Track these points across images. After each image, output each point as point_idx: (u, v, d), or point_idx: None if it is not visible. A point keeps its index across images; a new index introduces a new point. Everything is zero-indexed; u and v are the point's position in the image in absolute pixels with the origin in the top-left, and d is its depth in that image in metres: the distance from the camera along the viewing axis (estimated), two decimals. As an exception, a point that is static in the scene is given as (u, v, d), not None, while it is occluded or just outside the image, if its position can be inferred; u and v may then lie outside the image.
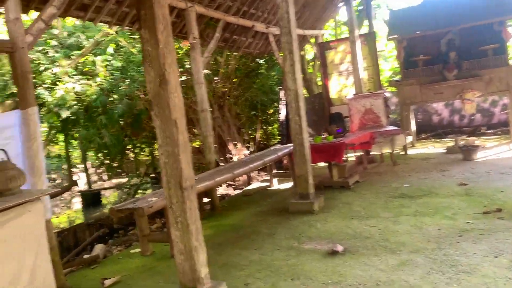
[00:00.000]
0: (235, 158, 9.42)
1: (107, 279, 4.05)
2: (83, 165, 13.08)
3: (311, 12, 10.40)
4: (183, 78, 8.99)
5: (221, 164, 7.61)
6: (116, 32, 8.25)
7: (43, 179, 3.96)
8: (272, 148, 8.39)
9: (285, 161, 8.42)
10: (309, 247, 4.25)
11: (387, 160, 8.19)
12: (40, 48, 7.58)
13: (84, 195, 12.50)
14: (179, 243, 3.14)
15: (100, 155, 10.99)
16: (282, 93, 10.91)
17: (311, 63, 13.67)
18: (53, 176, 13.99)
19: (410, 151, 9.00)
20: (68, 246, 6.62)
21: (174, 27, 6.98)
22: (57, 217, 12.00)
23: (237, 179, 8.16)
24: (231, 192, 8.28)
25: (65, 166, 12.44)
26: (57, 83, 7.29)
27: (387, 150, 8.10)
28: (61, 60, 7.41)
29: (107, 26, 6.56)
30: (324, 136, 6.92)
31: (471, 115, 10.73)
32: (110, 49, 8.36)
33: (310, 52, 13.68)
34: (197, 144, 9.93)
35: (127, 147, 10.90)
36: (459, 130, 10.78)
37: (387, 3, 15.73)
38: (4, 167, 2.87)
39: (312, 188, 5.59)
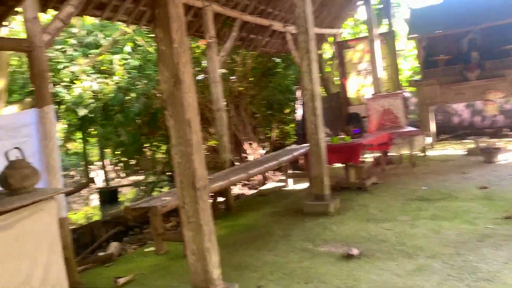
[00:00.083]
0: (250, 158, 9.39)
1: (121, 277, 4.06)
2: (101, 163, 13.24)
3: (329, 11, 10.29)
4: (200, 77, 8.99)
5: (236, 163, 7.59)
6: (134, 31, 8.29)
7: (58, 177, 3.98)
8: (288, 148, 8.33)
9: (301, 161, 8.35)
10: (324, 250, 4.19)
11: (405, 162, 8.04)
12: (59, 47, 7.67)
13: (101, 192, 12.64)
14: (191, 244, 3.12)
15: (117, 152, 11.08)
16: (299, 92, 10.84)
17: (329, 62, 13.54)
18: (72, 173, 14.19)
19: (429, 153, 8.82)
20: (84, 243, 6.68)
21: (191, 26, 6.98)
22: (75, 214, 12.18)
23: (252, 178, 8.12)
24: (246, 191, 8.25)
25: (83, 163, 12.58)
26: (75, 81, 7.36)
27: (405, 151, 7.96)
28: (79, 59, 7.49)
29: (124, 25, 6.59)
30: (341, 136, 6.83)
31: (493, 116, 10.47)
32: (127, 48, 8.41)
33: (328, 51, 13.55)
34: (212, 143, 9.94)
35: (144, 145, 10.97)
36: (480, 131, 10.52)
37: (407, 1, 15.48)
38: (19, 165, 2.88)
39: (328, 189, 5.51)
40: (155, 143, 11.06)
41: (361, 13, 13.25)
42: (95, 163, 14.20)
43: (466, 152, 8.29)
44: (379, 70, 9.53)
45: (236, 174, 5.65)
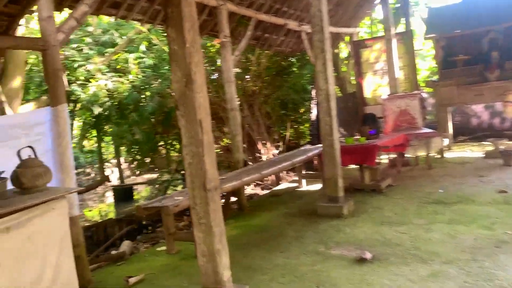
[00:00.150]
0: (264, 158, 9.34)
1: (132, 277, 4.06)
2: (116, 160, 13.35)
3: (345, 10, 10.18)
4: (215, 76, 8.98)
5: (250, 163, 7.56)
6: (149, 30, 8.31)
7: (71, 175, 4.00)
8: (302, 148, 8.26)
9: (315, 162, 8.27)
10: (337, 253, 4.13)
11: (422, 164, 7.90)
12: (75, 45, 7.73)
13: (116, 189, 12.76)
14: (202, 245, 3.10)
15: (132, 151, 11.15)
16: (314, 92, 10.74)
17: (345, 62, 13.41)
18: (87, 170, 14.35)
19: (447, 155, 8.65)
20: (98, 241, 6.74)
21: (205, 25, 6.97)
22: (90, 211, 12.33)
23: (265, 179, 8.08)
24: (259, 191, 8.22)
25: (98, 161, 12.71)
26: (90, 80, 7.42)
27: (422, 153, 7.81)
28: (95, 57, 7.54)
29: (139, 24, 6.61)
30: (356, 137, 6.74)
31: (513, 118, 10.23)
32: (142, 47, 8.44)
33: (344, 50, 13.42)
34: (226, 142, 9.92)
35: (159, 144, 11.01)
36: (499, 133, 10.27)
37: (425, 0, 15.23)
38: (31, 164, 2.89)
39: (342, 191, 5.44)
40: (170, 142, 11.10)
41: (378, 12, 13.12)
42: (110, 161, 14.34)
43: (485, 155, 8.11)
44: (396, 70, 9.38)
45: (249, 174, 5.62)
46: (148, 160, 11.65)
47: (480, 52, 8.78)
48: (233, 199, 6.67)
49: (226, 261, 3.10)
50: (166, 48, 8.99)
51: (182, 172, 11.18)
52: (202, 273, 3.11)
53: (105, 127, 9.04)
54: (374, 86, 10.92)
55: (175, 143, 11.18)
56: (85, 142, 12.31)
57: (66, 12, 4.76)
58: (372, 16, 13.34)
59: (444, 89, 8.91)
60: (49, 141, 3.94)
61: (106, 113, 7.83)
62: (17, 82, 6.17)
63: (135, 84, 8.12)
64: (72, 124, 10.64)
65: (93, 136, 11.65)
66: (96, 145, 12.19)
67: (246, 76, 10.10)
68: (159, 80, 8.38)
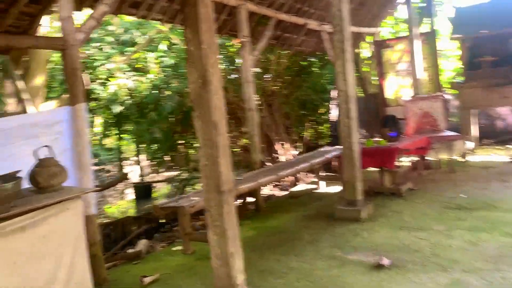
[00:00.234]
0: (282, 159, 9.28)
1: (147, 276, 4.07)
2: (136, 158, 13.50)
3: (368, 9, 10.03)
4: (234, 76, 8.97)
5: (267, 164, 7.51)
6: (169, 29, 8.34)
7: (89, 174, 4.03)
8: (321, 149, 8.16)
9: (334, 163, 8.17)
10: (353, 258, 4.05)
11: (444, 167, 7.71)
12: (97, 44, 7.82)
13: (136, 187, 12.88)
14: (216, 248, 3.08)
15: (151, 149, 11.24)
16: (334, 92, 10.62)
17: (367, 62, 13.21)
18: (108, 167, 14.54)
19: (470, 158, 8.42)
20: (116, 238, 6.78)
21: (225, 24, 6.96)
22: (110, 207, 12.50)
23: (283, 180, 8.02)
24: (277, 192, 8.15)
25: (118, 159, 12.88)
26: (110, 79, 7.49)
27: (444, 156, 7.63)
28: (116, 56, 7.61)
29: (159, 23, 6.64)
30: (377, 139, 6.62)
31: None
32: (162, 46, 8.48)
33: (366, 50, 13.23)
34: (245, 142, 9.89)
35: (178, 142, 11.06)
36: (526, 137, 9.97)
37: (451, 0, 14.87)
38: (48, 163, 2.92)
39: (360, 194, 5.34)
40: (189, 140, 11.14)
41: (401, 11, 12.88)
42: (131, 158, 14.50)
43: (510, 159, 7.86)
44: (419, 71, 9.19)
45: (265, 176, 5.58)
46: (167, 158, 11.73)
47: (507, 53, 8.51)
48: (250, 199, 6.63)
49: (239, 264, 3.08)
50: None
51: (200, 170, 11.19)
52: (215, 276, 3.09)
53: (125, 125, 9.13)
54: (396, 87, 10.73)
55: (193, 142, 11.22)
56: (106, 140, 12.46)
57: (87, 11, 4.80)
58: (396, 16, 13.11)
59: (469, 90, 8.68)
60: (67, 139, 3.98)
61: (126, 112, 7.90)
62: (39, 80, 6.27)
63: (155, 84, 8.17)
64: (93, 122, 10.81)
65: (114, 134, 11.79)
66: (117, 143, 12.33)
67: (266, 76, 10.05)
68: (179, 80, 8.41)
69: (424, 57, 9.82)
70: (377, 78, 11.32)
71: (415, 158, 7.88)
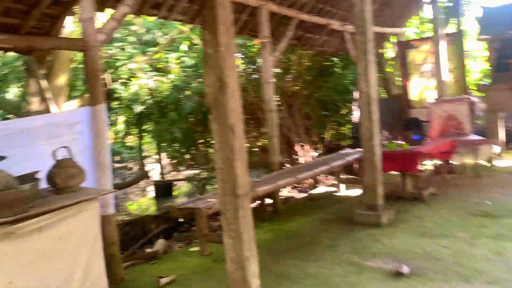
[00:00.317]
0: (301, 160, 9.20)
1: (163, 277, 4.07)
2: (157, 156, 13.64)
3: (392, 10, 9.85)
4: (255, 76, 8.93)
5: (287, 165, 7.45)
6: (191, 29, 8.37)
7: (107, 174, 4.06)
8: (341, 152, 8.05)
9: (355, 165, 8.05)
10: (372, 265, 3.96)
11: (469, 172, 7.49)
12: (119, 44, 7.90)
13: (157, 185, 13.02)
14: (231, 251, 3.06)
15: (171, 148, 11.32)
16: (357, 93, 10.46)
17: (391, 62, 12.99)
18: (130, 165, 14.75)
19: (497, 163, 8.15)
20: (135, 236, 6.85)
21: (246, 25, 6.93)
22: (131, 204, 12.67)
23: (302, 182, 7.94)
24: (296, 194, 8.09)
25: (139, 157, 13.04)
26: (132, 78, 7.56)
27: (469, 161, 7.42)
28: (137, 56, 7.68)
29: (181, 23, 6.66)
30: (399, 142, 6.49)
31: None
32: (183, 47, 8.51)
33: (390, 50, 13.01)
34: (264, 142, 9.85)
35: (198, 141, 11.10)
36: (557, 141, 9.62)
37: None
38: (66, 164, 2.94)
39: (381, 199, 5.23)
40: (208, 139, 11.17)
41: (427, 11, 12.61)
42: (152, 156, 14.67)
43: (539, 165, 7.61)
44: (444, 72, 8.97)
45: (284, 178, 5.52)
46: (187, 156, 11.79)
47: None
48: (268, 200, 6.58)
49: (255, 269, 3.04)
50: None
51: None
52: (230, 280, 3.07)
53: (145, 125, 9.22)
54: (420, 89, 10.51)
55: (213, 141, 11.21)
56: (128, 138, 12.63)
57: (108, 11, 4.84)
58: (421, 15, 12.85)
59: (496, 93, 8.43)
60: (87, 139, 4.02)
61: (147, 112, 7.98)
62: (62, 79, 6.39)
63: (175, 84, 8.21)
64: (116, 120, 10.97)
65: (135, 133, 11.95)
66: (138, 141, 12.49)
67: (287, 76, 9.98)
68: (199, 80, 8.44)
69: (450, 58, 9.58)
70: (401, 79, 11.11)
71: (439, 162, 7.69)
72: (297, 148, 9.47)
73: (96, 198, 2.91)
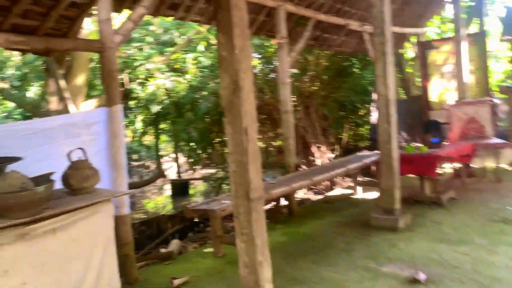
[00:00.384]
0: (318, 162, 9.12)
1: (176, 278, 4.08)
2: (174, 155, 13.74)
3: (412, 9, 9.68)
4: (272, 76, 8.89)
5: (303, 167, 7.39)
6: (208, 30, 8.38)
7: (123, 174, 4.08)
8: (359, 154, 7.95)
9: (373, 167, 7.94)
10: (388, 271, 3.89)
11: (489, 176, 7.31)
12: (137, 44, 7.96)
13: (174, 184, 13.13)
14: (244, 256, 3.04)
15: (187, 148, 11.38)
16: (375, 94, 10.32)
17: (411, 63, 12.78)
18: (148, 163, 14.92)
19: (519, 167, 7.97)
20: (151, 235, 6.90)
21: (263, 25, 6.90)
22: (148, 202, 12.80)
23: (318, 183, 7.87)
24: (312, 196, 8.02)
25: (156, 156, 13.16)
26: (149, 79, 7.61)
27: (490, 164, 7.24)
28: (155, 56, 7.72)
29: (197, 24, 6.66)
30: (417, 145, 6.37)
31: None
32: (200, 47, 8.53)
33: (410, 50, 12.81)
34: (280, 143, 9.80)
35: (215, 141, 11.13)
36: None
37: (503, -2, 14.14)
38: (81, 166, 2.96)
39: (398, 203, 5.14)
40: (224, 139, 11.16)
41: (449, 10, 12.36)
42: (169, 155, 14.79)
43: None
44: (466, 74, 8.77)
45: (299, 180, 5.48)
46: (204, 155, 11.84)
47: None
48: (283, 202, 6.54)
49: (268, 273, 3.01)
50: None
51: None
52: (243, 284, 3.05)
53: (162, 125, 9.27)
54: (441, 90, 10.31)
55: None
56: (145, 137, 12.77)
57: (126, 12, 4.86)
58: (443, 15, 12.60)
59: (520, 95, 8.21)
60: (103, 140, 4.05)
61: (163, 112, 8.02)
62: (81, 79, 6.47)
63: (192, 84, 8.23)
64: (134, 119, 11.09)
65: (152, 133, 12.06)
66: (155, 140, 12.60)
67: (304, 77, 9.90)
68: (216, 81, 8.44)
69: (472, 59, 9.35)
70: (421, 80, 10.92)
71: (459, 165, 7.53)
72: (313, 149, 9.39)
73: (110, 200, 2.92)
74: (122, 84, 7.70)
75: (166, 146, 14.54)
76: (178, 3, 5.34)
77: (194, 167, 11.71)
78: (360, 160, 6.83)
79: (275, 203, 6.32)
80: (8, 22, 3.40)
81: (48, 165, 3.12)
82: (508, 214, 5.21)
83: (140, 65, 7.66)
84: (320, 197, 7.75)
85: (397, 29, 8.56)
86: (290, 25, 6.98)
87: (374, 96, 10.47)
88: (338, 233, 5.15)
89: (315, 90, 10.03)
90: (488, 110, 7.47)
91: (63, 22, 3.68)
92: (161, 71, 7.88)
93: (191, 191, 13.04)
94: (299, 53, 7.55)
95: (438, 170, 6.05)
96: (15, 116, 11.28)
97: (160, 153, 13.07)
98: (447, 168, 7.87)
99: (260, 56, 9.55)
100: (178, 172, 13.94)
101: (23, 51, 3.89)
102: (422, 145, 6.22)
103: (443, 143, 6.65)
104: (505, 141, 7.34)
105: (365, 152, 8.18)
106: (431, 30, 13.14)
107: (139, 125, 11.43)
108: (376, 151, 7.48)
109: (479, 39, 9.61)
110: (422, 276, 3.60)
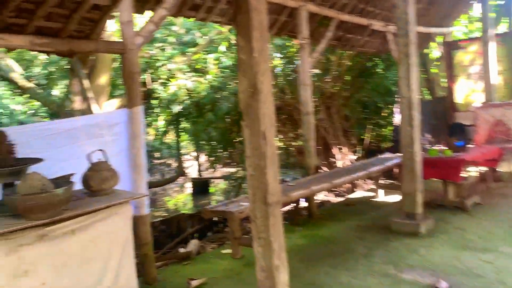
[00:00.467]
0: (339, 163, 9.02)
1: (194, 279, 4.09)
2: (195, 154, 13.85)
3: (438, 9, 9.46)
4: (294, 76, 8.83)
5: (324, 168, 7.32)
6: (229, 30, 8.38)
7: (142, 175, 4.11)
8: (381, 156, 7.83)
9: (395, 170, 7.79)
10: (407, 278, 3.81)
11: (516, 180, 7.10)
12: (159, 44, 8.03)
13: (194, 182, 13.25)
14: (261, 260, 3.01)
15: (208, 147, 11.45)
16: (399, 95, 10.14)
17: (437, 63, 12.51)
18: (169, 161, 15.08)
19: (548, 172, 7.69)
20: (171, 234, 6.96)
21: (285, 26, 6.85)
22: (169, 200, 12.95)
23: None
24: (332, 198, 7.94)
25: (177, 155, 13.29)
26: (170, 79, 7.66)
27: (517, 169, 7.02)
28: (177, 57, 7.77)
29: (219, 25, 6.66)
30: (442, 148, 6.22)
31: None
32: (222, 47, 8.54)
33: (436, 50, 12.54)
34: (300, 144, 9.73)
35: (235, 140, 11.16)
36: None
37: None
38: (100, 167, 3.00)
39: (420, 207, 5.04)
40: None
41: (477, 10, 12.04)
42: (190, 154, 14.92)
43: None
44: (493, 75, 8.53)
45: (319, 183, 5.42)
46: (224, 154, 11.89)
47: None
48: (303, 203, 6.49)
49: (284, 278, 2.99)
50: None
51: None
52: (260, 289, 3.03)
53: (183, 125, 9.32)
54: (467, 91, 10.06)
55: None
56: (167, 136, 12.91)
57: (147, 13, 4.90)
58: (470, 14, 12.28)
59: (550, 97, 7.93)
60: (124, 141, 4.09)
61: (184, 112, 8.07)
62: (104, 79, 6.56)
63: (212, 84, 8.25)
64: (157, 119, 11.22)
65: (174, 132, 12.19)
66: (176, 140, 12.73)
67: (326, 77, 9.80)
68: (237, 81, 8.45)
69: (500, 59, 9.09)
70: (447, 81, 10.68)
71: (484, 169, 7.32)
72: (334, 151, 9.29)
73: (128, 202, 2.94)
74: (144, 84, 7.78)
75: (187, 145, 14.65)
76: (199, 4, 5.35)
77: (214, 166, 11.77)
78: (382, 162, 6.72)
79: (294, 204, 6.28)
80: (33, 25, 3.46)
81: (70, 165, 3.17)
82: (536, 221, 5.05)
83: (162, 65, 7.73)
84: (340, 199, 7.67)
85: (422, 29, 8.38)
86: (312, 25, 6.91)
87: (398, 97, 10.29)
88: (357, 237, 5.08)
89: (337, 90, 9.92)
90: (516, 112, 7.25)
91: (86, 24, 3.73)
92: (182, 71, 7.93)
93: (211, 190, 13.12)
94: (321, 53, 7.47)
95: (463, 174, 5.90)
96: (41, 114, 11.57)
97: (181, 152, 13.18)
98: (472, 171, 7.67)
99: (281, 56, 9.51)
100: (199, 171, 14.04)
101: (48, 53, 3.97)
102: (446, 149, 6.08)
103: (468, 146, 6.48)
104: (534, 145, 7.10)
105: (388, 154, 8.04)
106: (457, 29, 12.83)
107: (161, 123, 11.57)
108: (399, 154, 7.34)
109: (507, 39, 9.34)
110: (443, 285, 3.52)
